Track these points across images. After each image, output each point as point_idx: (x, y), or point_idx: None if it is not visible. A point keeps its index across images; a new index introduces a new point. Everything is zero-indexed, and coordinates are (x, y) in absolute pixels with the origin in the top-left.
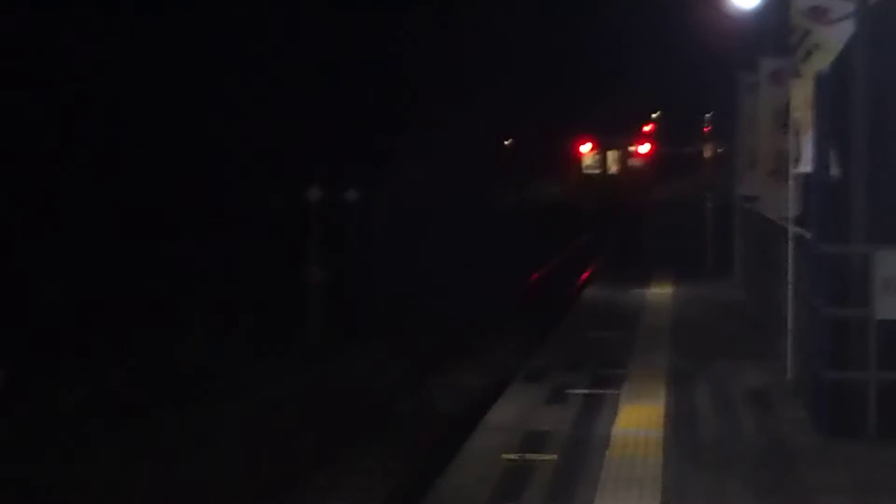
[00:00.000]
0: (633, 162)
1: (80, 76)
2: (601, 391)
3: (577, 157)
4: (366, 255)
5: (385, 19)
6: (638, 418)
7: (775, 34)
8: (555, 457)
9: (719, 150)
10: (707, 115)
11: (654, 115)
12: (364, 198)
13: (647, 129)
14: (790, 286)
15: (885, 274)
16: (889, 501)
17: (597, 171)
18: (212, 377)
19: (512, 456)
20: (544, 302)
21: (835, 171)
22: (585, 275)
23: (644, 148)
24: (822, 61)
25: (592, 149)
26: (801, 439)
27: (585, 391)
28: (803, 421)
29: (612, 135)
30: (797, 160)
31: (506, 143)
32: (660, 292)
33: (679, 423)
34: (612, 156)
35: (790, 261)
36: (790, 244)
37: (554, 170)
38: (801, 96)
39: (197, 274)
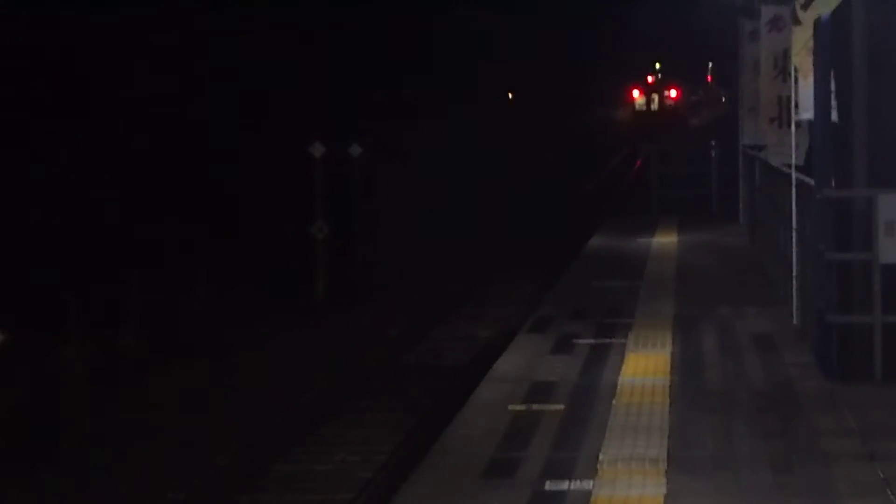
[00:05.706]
0: (668, 102)
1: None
2: (608, 340)
3: (631, 98)
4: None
5: None
6: (644, 366)
7: None
8: (562, 406)
9: (723, 98)
10: (710, 64)
11: (656, 66)
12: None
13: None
14: (795, 232)
15: (888, 217)
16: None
17: (644, 109)
18: (217, 332)
19: (519, 406)
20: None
21: (835, 116)
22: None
23: (673, 93)
24: (824, 7)
25: (641, 93)
26: (807, 383)
27: (592, 340)
28: (809, 365)
29: (653, 83)
30: (798, 107)
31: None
32: (665, 241)
33: (686, 370)
34: (654, 97)
35: (794, 207)
36: (794, 190)
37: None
38: (801, 43)
39: (200, 228)
